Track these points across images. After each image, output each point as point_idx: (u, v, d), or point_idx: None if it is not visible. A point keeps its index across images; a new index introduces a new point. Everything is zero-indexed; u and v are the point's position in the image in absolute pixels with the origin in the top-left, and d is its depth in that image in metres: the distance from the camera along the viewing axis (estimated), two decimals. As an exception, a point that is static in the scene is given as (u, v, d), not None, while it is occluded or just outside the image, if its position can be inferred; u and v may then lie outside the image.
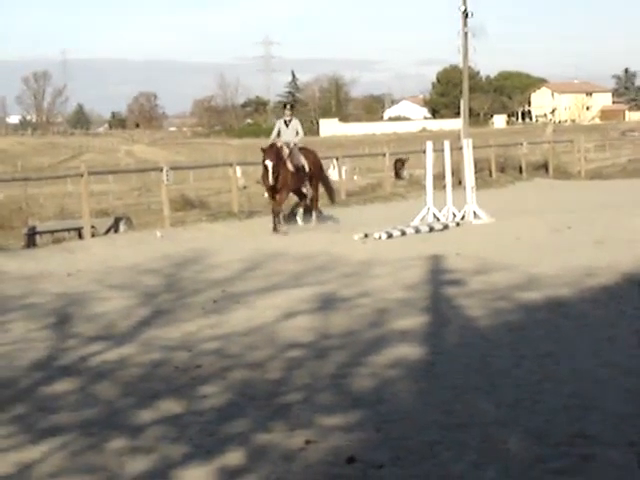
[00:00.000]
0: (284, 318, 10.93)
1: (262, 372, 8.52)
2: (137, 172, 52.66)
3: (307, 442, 6.45)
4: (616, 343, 9.04)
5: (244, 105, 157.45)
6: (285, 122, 22.25)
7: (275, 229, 21.19)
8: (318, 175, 22.79)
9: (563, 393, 7.41)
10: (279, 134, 22.12)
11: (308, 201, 22.74)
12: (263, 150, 21.47)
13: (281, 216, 21.53)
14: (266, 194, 22.71)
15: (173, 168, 25.21)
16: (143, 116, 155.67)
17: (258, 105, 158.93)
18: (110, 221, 22.77)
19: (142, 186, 50.20)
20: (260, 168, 21.99)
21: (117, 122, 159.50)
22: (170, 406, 7.51)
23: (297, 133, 22.19)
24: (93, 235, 20.89)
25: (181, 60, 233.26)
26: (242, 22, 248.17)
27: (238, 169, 32.71)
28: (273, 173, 21.09)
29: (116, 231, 22.11)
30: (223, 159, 46.19)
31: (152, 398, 7.74)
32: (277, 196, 21.48)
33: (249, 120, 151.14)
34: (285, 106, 23.75)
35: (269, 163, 21.10)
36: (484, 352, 8.93)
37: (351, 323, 10.48)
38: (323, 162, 24.64)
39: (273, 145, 21.45)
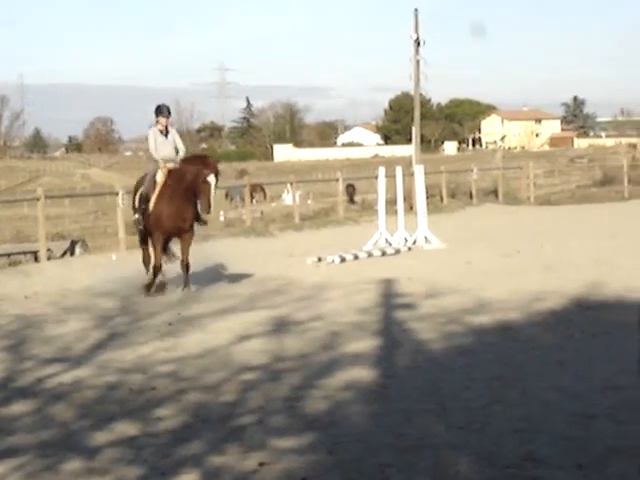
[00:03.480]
0: (238, 341, 10.93)
1: (216, 394, 8.52)
2: (93, 196, 52.53)
3: (261, 464, 6.46)
4: (564, 367, 9.15)
5: (199, 130, 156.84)
6: (161, 132, 16.16)
7: (158, 288, 15.72)
8: None
9: (512, 416, 7.47)
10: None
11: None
12: (166, 175, 15.71)
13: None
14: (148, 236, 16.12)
15: (129, 192, 25.12)
16: (99, 140, 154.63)
17: (213, 130, 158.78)
18: (66, 244, 22.73)
19: (98, 210, 49.98)
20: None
21: (74, 146, 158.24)
22: (125, 428, 7.49)
23: (177, 150, 16.14)
24: (49, 258, 20.82)
25: (137, 85, 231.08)
26: (198, 48, 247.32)
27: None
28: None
29: (72, 254, 22.04)
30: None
31: (107, 420, 7.72)
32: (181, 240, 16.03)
33: (204, 145, 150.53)
34: (158, 111, 16.14)
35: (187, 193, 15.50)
36: (435, 375, 8.99)
37: (304, 346, 10.51)
38: (278, 187, 24.32)
39: (181, 172, 15.56)
